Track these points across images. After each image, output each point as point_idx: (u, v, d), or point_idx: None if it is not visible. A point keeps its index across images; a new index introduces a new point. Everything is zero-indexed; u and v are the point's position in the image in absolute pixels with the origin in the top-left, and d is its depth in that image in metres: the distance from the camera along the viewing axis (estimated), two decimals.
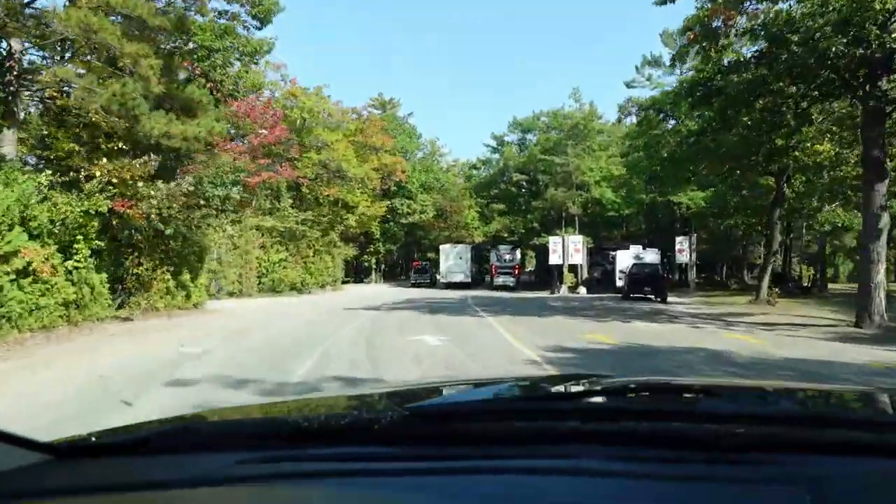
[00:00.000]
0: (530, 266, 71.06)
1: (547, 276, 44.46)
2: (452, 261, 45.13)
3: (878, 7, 12.19)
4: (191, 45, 17.54)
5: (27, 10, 13.27)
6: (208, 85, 16.98)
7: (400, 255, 65.03)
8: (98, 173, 13.90)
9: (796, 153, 18.98)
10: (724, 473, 1.00)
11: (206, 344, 11.66)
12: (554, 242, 38.45)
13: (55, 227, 13.68)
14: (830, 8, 13.05)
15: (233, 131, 32.22)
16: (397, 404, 1.38)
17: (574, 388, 1.54)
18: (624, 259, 35.61)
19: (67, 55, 14.38)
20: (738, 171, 21.05)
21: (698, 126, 20.36)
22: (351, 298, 29.65)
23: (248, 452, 1.13)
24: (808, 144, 18.91)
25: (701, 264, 44.97)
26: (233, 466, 1.09)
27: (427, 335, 12.77)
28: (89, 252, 14.58)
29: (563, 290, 36.95)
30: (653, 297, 28.24)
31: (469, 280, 44.49)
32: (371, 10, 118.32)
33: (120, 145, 14.71)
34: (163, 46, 16.09)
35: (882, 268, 15.09)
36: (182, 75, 17.12)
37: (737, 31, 16.60)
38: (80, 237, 14.18)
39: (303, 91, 36.12)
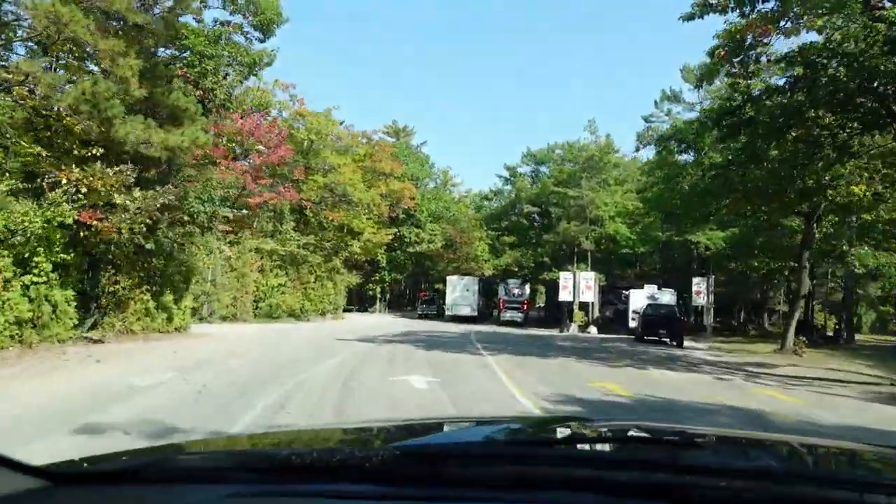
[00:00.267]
0: (540, 302, 69.25)
1: (557, 312, 42.75)
2: (459, 293, 43.54)
3: None
4: (184, 54, 16.49)
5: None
6: (198, 93, 15.89)
7: (407, 284, 63.54)
8: (64, 180, 12.67)
9: (830, 191, 17.41)
10: None
11: (163, 375, 10.26)
12: (565, 278, 36.83)
13: (14, 237, 12.46)
14: (878, 30, 11.70)
15: (238, 149, 31.45)
16: (389, 441, 1.52)
17: (564, 433, 1.62)
18: (638, 299, 33.94)
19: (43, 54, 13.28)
20: (765, 210, 19.47)
21: (723, 159, 18.92)
22: (349, 328, 28.22)
23: (239, 486, 1.15)
24: (844, 183, 17.36)
25: (717, 308, 43.05)
26: (223, 499, 1.10)
27: (415, 375, 11.25)
28: (51, 266, 13.30)
29: (573, 329, 35.20)
30: (668, 340, 26.55)
31: (476, 314, 42.83)
32: (388, 37, 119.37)
33: (94, 152, 13.51)
34: (151, 49, 15.00)
35: None
36: (173, 81, 15.99)
37: (768, 56, 15.32)
38: (40, 250, 12.93)
39: (311, 112, 35.23)
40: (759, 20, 12.68)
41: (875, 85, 12.12)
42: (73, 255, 14.02)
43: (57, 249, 13.31)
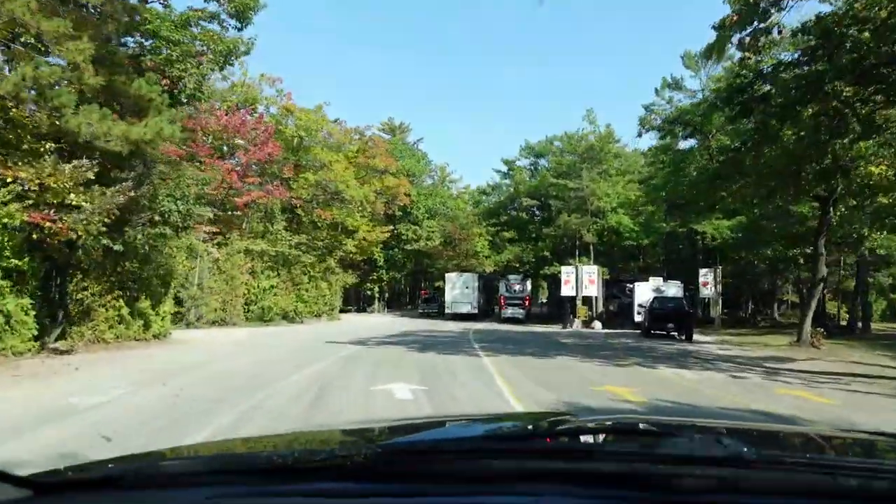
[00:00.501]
0: (543, 297, 67.96)
1: (559, 308, 41.54)
2: (458, 290, 42.32)
3: None
4: (150, 41, 15.28)
5: None
6: (164, 82, 14.69)
7: (407, 283, 62.38)
8: (10, 178, 11.49)
9: (851, 171, 16.09)
10: None
11: (111, 392, 9.07)
12: (566, 272, 35.58)
13: None
14: None
15: (225, 148, 30.27)
16: (372, 441, 1.56)
17: (543, 428, 1.64)
18: (643, 292, 32.66)
19: None
20: (779, 194, 18.15)
21: (732, 141, 17.65)
22: (342, 330, 27.05)
23: (220, 488, 1.15)
24: (863, 163, 16.08)
25: (723, 299, 41.80)
26: (204, 502, 1.10)
27: (400, 383, 10.05)
28: (1, 273, 12.14)
29: (577, 325, 33.96)
30: (675, 334, 25.33)
31: (476, 311, 41.63)
32: (383, 36, 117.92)
33: (47, 146, 12.34)
34: (112, 35, 13.80)
35: None
36: (144, 73, 14.77)
37: (781, 28, 14.07)
38: None
39: (300, 108, 33.98)
40: None
41: None
42: (27, 260, 12.84)
43: (7, 254, 12.15)
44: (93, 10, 13.08)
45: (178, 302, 26.57)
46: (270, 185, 30.38)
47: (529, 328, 32.74)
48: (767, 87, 14.75)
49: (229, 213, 31.68)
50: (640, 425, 1.72)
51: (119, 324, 17.20)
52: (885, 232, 20.27)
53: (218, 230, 29.43)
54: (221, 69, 18.39)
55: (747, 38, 12.24)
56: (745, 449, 1.22)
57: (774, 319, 38.52)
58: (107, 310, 16.63)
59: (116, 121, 13.18)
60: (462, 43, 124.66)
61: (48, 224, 11.98)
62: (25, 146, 12.25)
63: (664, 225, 37.46)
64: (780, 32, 14.03)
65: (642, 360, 15.58)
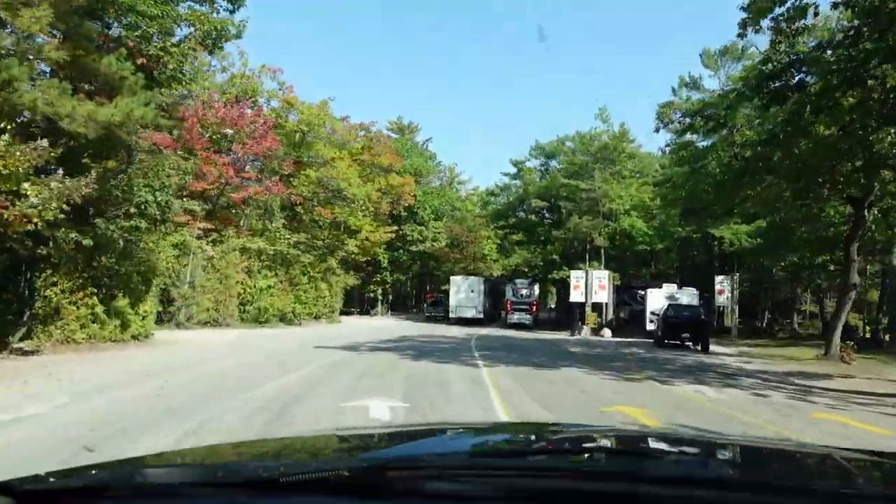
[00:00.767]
0: (552, 303, 66.34)
1: (567, 314, 40.09)
2: (463, 294, 40.92)
3: None
4: (128, 18, 14.08)
5: None
6: (141, 61, 13.50)
7: (412, 286, 61.09)
8: None
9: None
10: None
11: (46, 403, 7.86)
12: (576, 277, 34.09)
13: None
14: None
15: (224, 142, 29.13)
16: (359, 451, 1.61)
17: (531, 443, 1.68)
18: (656, 299, 31.16)
19: None
20: (810, 194, 16.56)
21: (757, 136, 16.19)
22: (339, 333, 25.82)
23: (205, 500, 1.16)
24: None
25: (739, 308, 40.18)
26: None
27: (379, 399, 8.73)
28: None
29: (585, 332, 32.48)
30: (690, 344, 23.85)
31: (481, 316, 40.20)
32: (393, 34, 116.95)
33: (2, 125, 11.16)
34: (80, 7, 12.60)
35: None
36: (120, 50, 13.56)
37: (816, 8, 12.65)
38: None
39: (301, 102, 32.78)
40: None
41: None
42: None
43: None
44: None
45: (169, 301, 25.54)
46: (269, 181, 29.19)
47: (536, 335, 31.33)
48: (799, 77, 13.31)
49: (226, 209, 30.65)
50: (631, 442, 1.77)
51: (93, 323, 16.02)
52: None
53: (213, 226, 28.32)
54: (210, 52, 17.20)
55: (783, 16, 10.84)
56: (730, 471, 1.31)
57: (794, 330, 36.80)
58: (78, 308, 15.45)
59: (83, 100, 12.02)
60: (472, 45, 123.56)
61: (1, 212, 10.77)
62: None
63: (679, 229, 35.88)
64: (816, 14, 12.66)
65: (656, 374, 14.16)
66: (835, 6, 11.29)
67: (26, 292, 14.94)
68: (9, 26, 10.79)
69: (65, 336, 15.07)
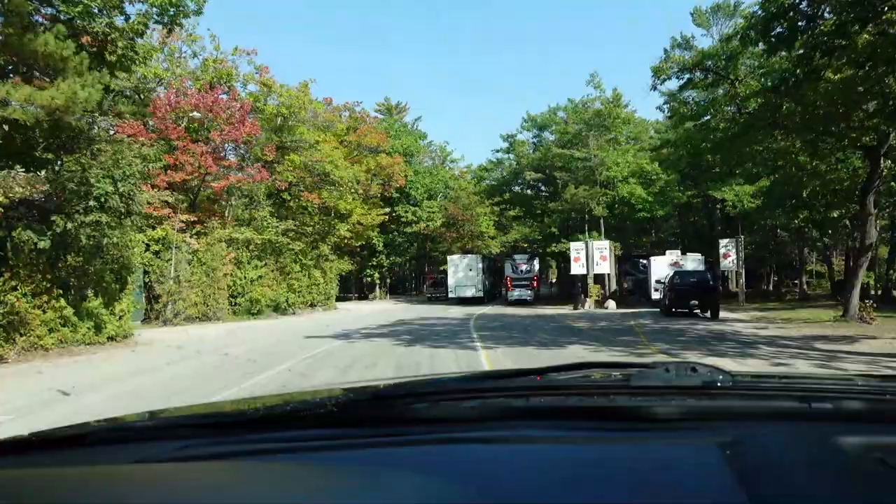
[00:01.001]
0: (553, 277, 65.41)
1: (570, 287, 39.11)
2: (462, 273, 39.90)
3: None
4: None
5: None
6: (85, 39, 12.26)
7: (411, 268, 60.09)
8: None
9: None
10: (639, 438, 1.07)
11: None
12: (576, 249, 32.97)
13: None
14: None
15: (202, 130, 27.87)
16: (352, 395, 1.50)
17: (529, 371, 1.62)
18: (659, 267, 30.15)
19: None
20: (821, 146, 15.31)
21: (761, 85, 14.98)
22: (333, 321, 24.84)
23: (188, 440, 1.13)
24: None
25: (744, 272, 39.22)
26: (172, 453, 1.09)
27: None
28: None
29: (589, 305, 31.49)
30: (699, 312, 22.86)
31: (481, 294, 39.24)
32: (376, 13, 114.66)
33: None
34: None
35: None
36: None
37: None
38: None
39: (283, 86, 31.40)
40: None
41: None
42: None
43: None
44: None
45: (155, 298, 24.57)
46: (251, 168, 27.99)
47: (538, 310, 30.34)
48: (807, 13, 12.09)
49: (209, 200, 29.51)
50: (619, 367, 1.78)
51: (63, 326, 15.00)
52: None
53: (196, 218, 27.22)
54: (169, 31, 15.92)
55: None
56: (721, 377, 1.21)
57: (803, 292, 35.78)
58: (44, 312, 14.40)
59: (19, 84, 10.84)
60: (461, 23, 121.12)
61: None
62: None
63: (680, 194, 34.69)
64: None
65: (668, 347, 13.14)
66: None
67: None
68: None
69: (30, 342, 14.05)
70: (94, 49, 12.90)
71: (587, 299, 31.93)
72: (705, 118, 21.38)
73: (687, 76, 17.78)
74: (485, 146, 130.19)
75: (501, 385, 1.41)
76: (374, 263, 46.34)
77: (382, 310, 33.68)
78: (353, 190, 34.02)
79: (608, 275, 34.44)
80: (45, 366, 12.21)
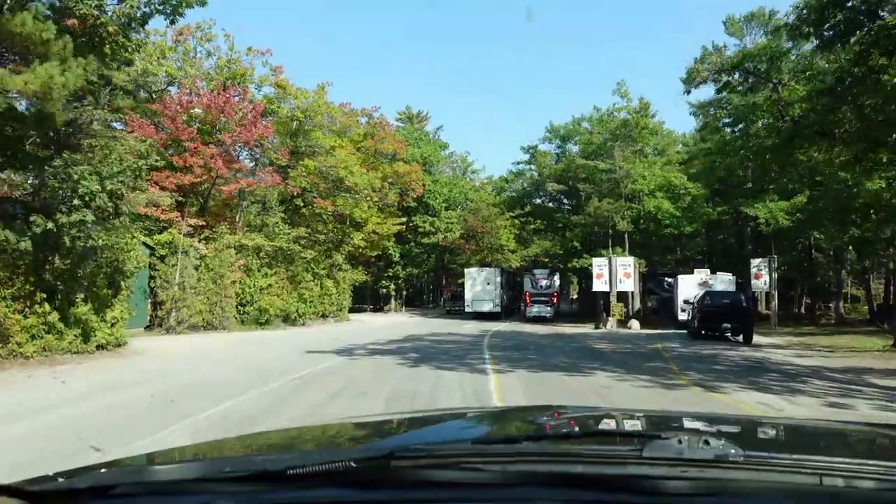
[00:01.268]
0: (574, 293, 63.64)
1: (591, 305, 37.55)
2: (480, 287, 38.57)
3: None
4: None
5: None
6: (71, 22, 11.37)
7: (429, 280, 58.88)
8: None
9: None
10: None
11: None
12: (599, 265, 31.48)
13: None
14: None
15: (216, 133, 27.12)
16: (364, 441, 1.73)
17: (534, 429, 1.75)
18: (687, 287, 28.54)
19: None
20: (879, 155, 13.72)
21: (812, 87, 13.56)
22: (343, 333, 23.78)
23: (213, 496, 1.16)
24: None
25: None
26: None
27: None
28: None
29: (611, 324, 29.95)
30: (730, 335, 21.29)
31: (499, 309, 37.85)
32: (402, 25, 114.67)
33: None
34: None
35: None
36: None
37: None
38: None
39: (298, 89, 30.58)
40: None
41: None
42: None
43: None
44: None
45: (159, 304, 23.72)
46: (262, 172, 27.12)
47: (557, 329, 28.90)
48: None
49: (221, 204, 28.74)
50: (627, 424, 1.79)
51: (48, 333, 14.05)
52: None
53: (205, 222, 26.41)
54: (172, 21, 14.99)
55: None
56: (733, 451, 1.22)
57: (840, 316, 33.79)
58: (26, 317, 13.47)
59: None
60: (484, 33, 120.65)
61: None
62: None
63: (710, 210, 33.00)
64: None
65: (703, 377, 11.70)
66: None
67: None
68: None
69: (9, 350, 13.11)
70: (83, 35, 11.98)
71: (609, 318, 30.41)
72: (741, 126, 19.88)
73: (725, 79, 16.46)
74: (507, 158, 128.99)
75: (513, 450, 1.36)
76: (390, 274, 45.24)
77: (396, 323, 32.51)
78: (368, 197, 32.99)
79: (632, 293, 32.88)
80: (9, 377, 11.18)
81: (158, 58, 27.19)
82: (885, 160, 13.37)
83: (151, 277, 23.52)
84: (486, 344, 18.92)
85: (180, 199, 23.93)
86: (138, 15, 12.72)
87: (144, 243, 22.78)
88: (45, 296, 13.71)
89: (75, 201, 12.32)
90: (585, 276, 38.78)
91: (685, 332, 24.81)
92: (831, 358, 15.50)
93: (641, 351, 17.39)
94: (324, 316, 32.76)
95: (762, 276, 29.12)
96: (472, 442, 1.57)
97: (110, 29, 11.88)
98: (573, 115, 44.14)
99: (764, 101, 17.60)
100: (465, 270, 39.92)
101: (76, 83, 10.52)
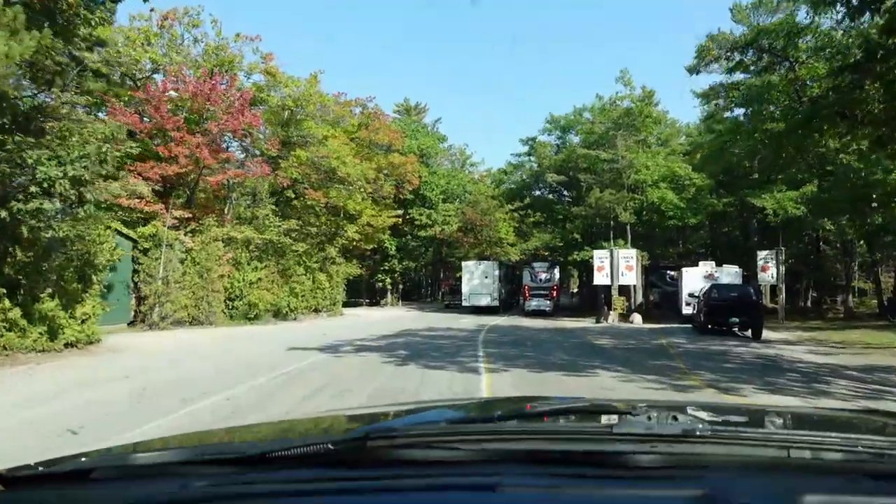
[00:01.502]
0: (574, 286, 62.68)
1: (592, 298, 36.60)
2: (477, 280, 37.60)
3: None
4: None
5: None
6: None
7: (426, 273, 57.93)
8: None
9: None
10: (618, 487, 1.08)
11: None
12: (600, 258, 30.47)
13: None
14: None
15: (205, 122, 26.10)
16: (346, 428, 1.68)
17: (509, 411, 1.71)
18: (692, 279, 27.56)
19: None
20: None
21: (827, 69, 12.56)
22: (335, 328, 22.92)
23: (192, 478, 1.14)
24: None
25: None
26: (177, 491, 1.10)
27: None
28: None
29: (613, 318, 29.00)
30: (738, 329, 20.35)
31: (497, 303, 36.88)
32: (401, 25, 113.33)
33: None
34: None
35: None
36: None
37: None
38: None
39: (290, 77, 29.50)
40: None
41: None
42: None
43: None
44: None
45: (142, 300, 22.81)
46: (250, 162, 26.12)
47: (557, 323, 27.94)
48: None
49: (209, 196, 27.77)
50: (599, 405, 1.77)
51: (8, 331, 13.11)
52: None
53: (191, 214, 25.42)
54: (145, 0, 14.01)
55: None
56: (701, 426, 1.22)
57: (849, 310, 32.80)
58: None
59: None
60: (485, 24, 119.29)
61: None
62: None
63: (715, 202, 31.97)
64: None
65: (714, 377, 10.74)
66: None
67: None
68: None
69: None
70: (42, 7, 10.98)
71: (611, 312, 29.45)
72: (752, 108, 18.82)
73: (737, 58, 15.39)
74: (506, 150, 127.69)
75: (486, 429, 1.37)
76: (386, 268, 44.29)
77: (391, 317, 31.58)
78: (361, 189, 31.99)
79: (634, 286, 31.89)
80: (21, 372, 10.25)
81: (143, 44, 26.16)
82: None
83: (135, 271, 22.61)
84: (481, 340, 17.96)
85: (166, 189, 22.89)
86: None
87: (128, 236, 21.87)
88: (4, 291, 12.78)
89: (32, 188, 11.35)
90: (586, 269, 37.81)
91: (689, 326, 23.87)
92: (848, 355, 14.55)
93: (645, 347, 16.43)
94: (316, 310, 31.86)
95: (769, 268, 28.12)
96: (448, 422, 1.58)
97: (71, 0, 10.89)
98: (574, 106, 43.06)
99: (780, 81, 16.53)
100: (463, 263, 38.94)
101: (23, 54, 9.52)
